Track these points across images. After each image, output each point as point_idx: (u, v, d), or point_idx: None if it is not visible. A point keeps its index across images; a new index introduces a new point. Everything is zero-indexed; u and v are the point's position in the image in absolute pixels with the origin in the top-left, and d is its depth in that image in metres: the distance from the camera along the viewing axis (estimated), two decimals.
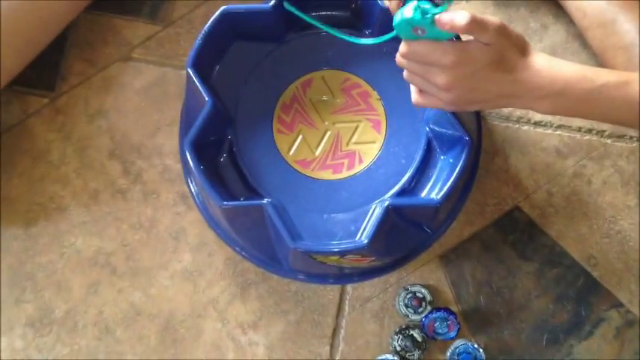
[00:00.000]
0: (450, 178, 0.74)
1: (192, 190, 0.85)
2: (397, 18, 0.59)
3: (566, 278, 0.84)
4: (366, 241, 0.71)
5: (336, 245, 0.74)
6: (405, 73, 0.66)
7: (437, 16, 0.57)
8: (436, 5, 0.58)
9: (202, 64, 0.76)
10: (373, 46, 0.77)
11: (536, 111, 0.64)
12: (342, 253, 0.73)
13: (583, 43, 0.88)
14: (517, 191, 0.86)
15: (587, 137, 0.87)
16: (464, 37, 0.60)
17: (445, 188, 0.73)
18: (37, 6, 0.80)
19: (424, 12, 0.58)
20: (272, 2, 0.75)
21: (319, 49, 0.82)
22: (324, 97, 0.81)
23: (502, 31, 0.59)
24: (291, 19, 0.78)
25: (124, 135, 0.88)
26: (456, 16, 0.57)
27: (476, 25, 0.57)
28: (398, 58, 0.64)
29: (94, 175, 0.87)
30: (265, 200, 0.74)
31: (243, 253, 0.83)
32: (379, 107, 0.81)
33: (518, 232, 0.85)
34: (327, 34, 0.79)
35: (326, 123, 0.81)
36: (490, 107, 0.66)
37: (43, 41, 0.84)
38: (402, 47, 0.62)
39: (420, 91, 0.66)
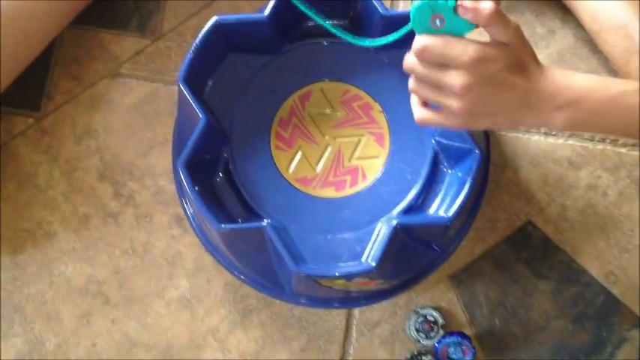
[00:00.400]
0: (459, 194, 0.71)
1: (188, 211, 0.83)
2: (416, 2, 0.55)
3: (585, 297, 0.81)
4: (373, 264, 0.69)
5: (342, 269, 0.71)
6: (411, 81, 0.61)
7: (460, 1, 0.54)
8: None
9: (195, 78, 0.74)
10: (374, 56, 0.78)
11: (551, 127, 0.61)
12: (349, 277, 0.70)
13: (593, 48, 0.86)
14: (529, 205, 0.83)
15: (601, 147, 0.85)
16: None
17: (456, 205, 0.70)
18: (19, 20, 0.78)
19: None
20: (267, 12, 0.73)
21: (317, 59, 0.80)
22: (324, 111, 0.79)
23: (520, 32, 0.57)
24: (288, 28, 0.77)
25: (114, 155, 0.86)
26: (480, 3, 0.54)
27: (499, 17, 0.54)
28: (408, 59, 0.60)
29: (83, 199, 0.85)
30: (265, 222, 0.72)
31: (243, 278, 0.81)
32: (382, 120, 0.79)
33: (532, 249, 0.82)
34: (326, 44, 0.79)
35: (326, 138, 0.79)
36: (501, 122, 0.61)
37: (26, 58, 0.82)
38: (416, 43, 0.57)
39: (425, 105, 0.62)
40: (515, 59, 0.57)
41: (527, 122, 0.61)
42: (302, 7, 0.70)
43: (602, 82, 0.60)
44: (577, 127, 0.61)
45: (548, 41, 0.87)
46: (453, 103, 0.58)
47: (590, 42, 0.86)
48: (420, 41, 0.57)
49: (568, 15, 0.86)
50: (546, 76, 0.59)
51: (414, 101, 0.63)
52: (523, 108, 0.60)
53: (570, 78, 0.59)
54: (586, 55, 0.86)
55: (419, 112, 0.62)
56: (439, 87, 0.59)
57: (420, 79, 0.60)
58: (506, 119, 0.61)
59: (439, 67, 0.57)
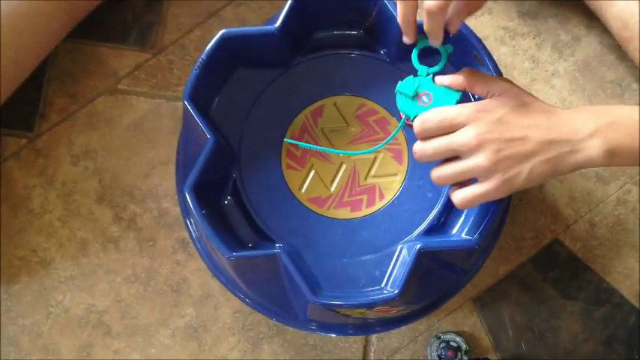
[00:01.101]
0: (486, 213, 0.68)
1: (193, 234, 0.80)
2: (398, 87, 0.62)
3: (616, 318, 0.80)
4: (396, 292, 0.66)
5: (362, 298, 0.68)
6: (433, 172, 0.62)
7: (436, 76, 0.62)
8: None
9: (201, 95, 0.71)
10: (391, 68, 0.76)
11: (590, 160, 0.57)
12: (371, 306, 0.68)
13: (620, 55, 0.84)
14: (556, 222, 0.82)
15: None
16: None
17: (482, 227, 0.67)
18: (11, 34, 0.76)
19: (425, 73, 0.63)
20: (278, 23, 0.70)
21: (330, 72, 0.77)
22: (338, 126, 0.77)
23: (509, 81, 0.60)
24: (299, 40, 0.74)
25: (113, 177, 0.85)
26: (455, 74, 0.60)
27: (475, 77, 0.60)
28: (414, 147, 0.61)
29: (81, 223, 0.84)
30: (277, 246, 0.70)
31: (253, 304, 0.78)
32: (399, 135, 0.76)
33: (560, 269, 0.81)
34: (339, 56, 0.77)
35: (341, 155, 0.76)
36: (539, 169, 0.57)
37: (18, 75, 0.80)
38: (415, 123, 0.60)
39: (458, 186, 0.61)
40: (518, 102, 0.58)
41: (566, 161, 0.58)
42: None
43: (633, 107, 0.57)
44: (617, 156, 0.57)
45: (572, 49, 0.85)
46: (478, 160, 0.57)
47: (617, 49, 0.84)
48: (416, 120, 0.60)
49: (593, 21, 0.85)
50: (566, 110, 0.59)
51: (452, 189, 0.62)
52: (552, 144, 0.57)
53: (595, 106, 0.60)
54: (613, 63, 0.85)
55: (456, 196, 0.61)
56: (456, 153, 0.59)
57: (434, 157, 0.60)
58: (541, 164, 0.57)
59: (447, 135, 0.59)
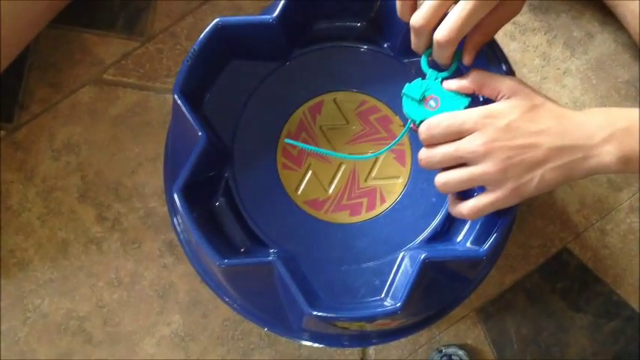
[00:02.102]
0: (493, 221, 0.66)
1: (181, 236, 0.78)
2: (405, 90, 0.62)
3: (626, 332, 0.80)
4: (399, 304, 0.63)
5: (363, 310, 0.66)
6: (437, 178, 0.61)
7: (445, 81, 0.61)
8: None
9: (193, 89, 0.68)
10: (396, 64, 0.74)
11: (604, 166, 0.56)
12: (372, 319, 0.65)
13: (635, 54, 0.83)
14: (565, 230, 0.81)
15: None
16: None
17: (491, 237, 0.65)
18: None
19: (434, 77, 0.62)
20: (276, 13, 0.67)
21: (330, 66, 0.75)
22: (338, 124, 0.75)
23: (519, 81, 0.59)
24: (298, 31, 0.72)
25: (97, 173, 0.83)
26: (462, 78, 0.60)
27: (483, 77, 0.59)
28: (420, 154, 0.61)
29: (62, 223, 0.82)
30: (272, 252, 0.68)
31: (244, 313, 0.76)
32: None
33: (569, 279, 0.81)
34: (338, 48, 0.74)
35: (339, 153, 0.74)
36: (551, 176, 0.57)
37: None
38: (421, 128, 0.60)
39: (459, 198, 0.62)
40: (528, 105, 0.57)
41: (578, 167, 0.57)
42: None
43: None
44: (632, 163, 0.56)
45: (586, 46, 0.84)
46: (486, 167, 0.57)
47: (632, 47, 0.83)
48: (422, 125, 0.60)
49: (608, 17, 0.83)
50: (579, 112, 0.57)
51: (453, 201, 0.63)
52: (564, 151, 0.56)
53: (609, 109, 0.58)
54: (627, 62, 0.83)
55: (463, 207, 0.61)
56: (463, 160, 0.58)
57: (441, 165, 0.60)
58: (552, 170, 0.57)
59: (454, 142, 0.58)
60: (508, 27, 0.82)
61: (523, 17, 0.83)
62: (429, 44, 0.61)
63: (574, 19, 0.84)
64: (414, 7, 0.60)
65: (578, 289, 0.80)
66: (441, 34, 0.57)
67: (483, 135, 0.56)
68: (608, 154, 0.55)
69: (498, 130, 0.56)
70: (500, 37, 0.81)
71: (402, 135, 0.65)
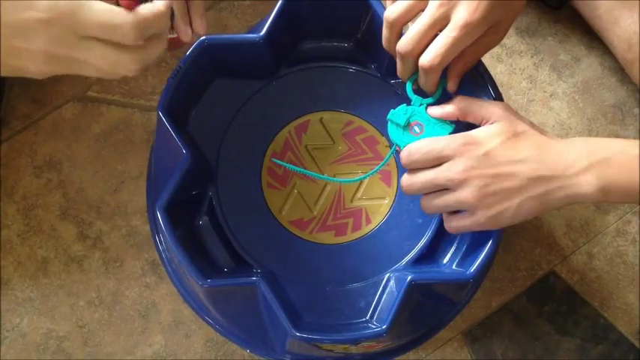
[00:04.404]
0: (479, 245, 0.65)
1: (164, 255, 0.77)
2: (389, 116, 0.63)
3: (613, 356, 0.79)
4: (384, 327, 0.63)
5: (347, 333, 0.66)
6: (422, 201, 0.63)
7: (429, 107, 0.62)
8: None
9: (177, 107, 0.68)
10: (383, 84, 0.75)
11: (582, 196, 0.57)
12: (356, 342, 0.65)
13: (622, 78, 0.83)
14: (552, 253, 0.80)
15: None
16: None
17: (478, 260, 0.64)
18: None
19: (418, 103, 0.63)
20: (264, 32, 0.67)
21: (317, 86, 0.75)
22: (324, 144, 0.75)
23: (505, 106, 0.59)
24: (285, 50, 0.72)
25: (79, 190, 0.82)
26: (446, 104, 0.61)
27: (468, 104, 0.60)
28: (402, 180, 0.62)
29: (42, 241, 0.81)
30: (256, 272, 0.68)
31: (227, 334, 0.75)
32: None
33: (556, 302, 0.80)
34: (325, 68, 0.75)
35: (325, 175, 0.74)
36: (529, 205, 0.58)
37: None
38: (403, 155, 0.61)
39: (449, 216, 0.63)
40: (510, 132, 0.57)
41: (556, 197, 0.58)
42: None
43: (629, 141, 0.57)
44: (611, 193, 0.56)
45: (572, 70, 0.84)
46: (462, 194, 0.58)
47: (618, 71, 0.83)
48: (403, 151, 0.61)
49: (594, 41, 0.83)
50: (561, 141, 0.58)
51: (446, 215, 0.64)
52: (541, 181, 0.57)
53: (591, 139, 0.58)
54: (614, 86, 0.83)
55: (447, 222, 0.63)
56: (442, 187, 0.59)
57: (421, 191, 0.61)
58: (529, 200, 0.58)
59: (434, 168, 0.59)
60: (495, 50, 0.81)
61: (510, 40, 0.83)
62: (414, 70, 0.62)
63: (561, 42, 0.84)
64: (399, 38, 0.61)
65: (566, 313, 0.79)
66: (426, 59, 0.57)
67: (462, 162, 0.57)
68: (586, 185, 0.55)
69: (477, 158, 0.57)
70: (487, 59, 0.81)
71: (387, 160, 0.66)
